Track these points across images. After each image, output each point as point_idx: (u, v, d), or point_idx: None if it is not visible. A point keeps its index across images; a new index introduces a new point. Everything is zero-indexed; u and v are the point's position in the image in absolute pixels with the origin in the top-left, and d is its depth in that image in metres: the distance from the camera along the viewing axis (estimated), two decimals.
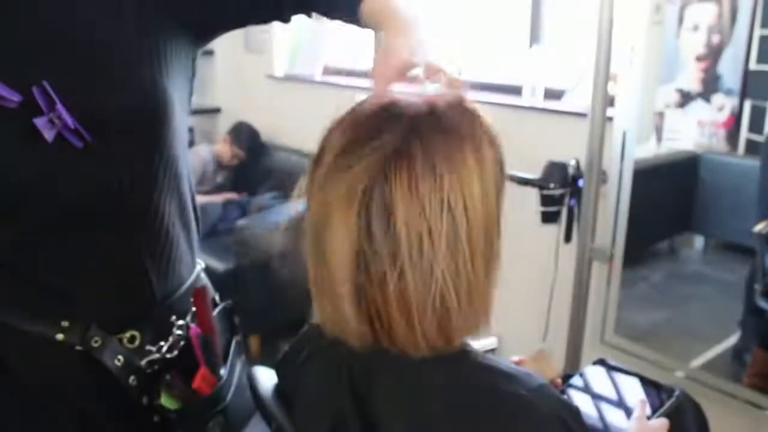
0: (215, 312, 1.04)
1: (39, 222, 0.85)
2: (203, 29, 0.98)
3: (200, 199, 3.60)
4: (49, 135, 0.79)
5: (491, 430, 0.66)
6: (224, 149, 3.42)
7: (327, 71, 3.26)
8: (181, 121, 0.95)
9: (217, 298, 1.10)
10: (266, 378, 0.88)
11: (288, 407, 0.81)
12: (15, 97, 0.78)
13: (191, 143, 3.86)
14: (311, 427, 0.77)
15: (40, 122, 0.78)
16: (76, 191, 0.85)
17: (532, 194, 1.74)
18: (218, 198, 3.33)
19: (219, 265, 2.90)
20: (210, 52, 3.81)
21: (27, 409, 0.91)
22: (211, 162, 3.40)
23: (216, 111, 3.91)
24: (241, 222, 2.92)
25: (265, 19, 1.04)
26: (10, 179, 0.82)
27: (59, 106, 0.79)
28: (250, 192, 3.38)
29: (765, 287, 1.54)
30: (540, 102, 2.22)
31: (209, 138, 3.88)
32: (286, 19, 1.00)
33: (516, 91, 2.31)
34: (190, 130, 3.94)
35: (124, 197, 0.88)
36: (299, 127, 3.34)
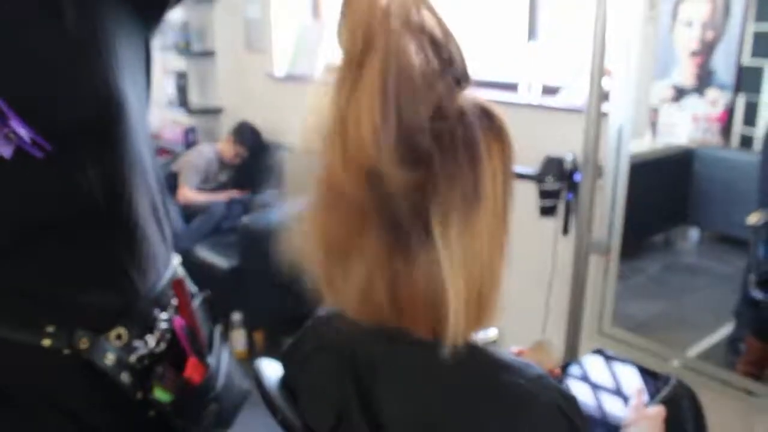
0: (195, 303, 1.04)
1: (11, 235, 0.83)
2: (145, 6, 0.94)
3: (204, 198, 3.62)
4: (6, 152, 0.77)
5: (492, 419, 0.66)
6: (227, 148, 3.44)
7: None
8: (139, 116, 0.91)
9: (194, 290, 1.09)
10: (271, 371, 0.88)
11: (293, 399, 0.81)
12: None
13: (194, 143, 3.88)
14: (316, 419, 0.76)
15: None
16: (45, 200, 0.83)
17: (530, 189, 1.76)
18: (222, 196, 3.35)
19: (223, 263, 2.91)
20: (211, 53, 3.83)
21: (18, 420, 0.89)
22: (214, 161, 3.42)
23: (218, 111, 3.93)
24: (245, 219, 2.94)
25: None
26: None
27: (13, 121, 0.76)
28: (252, 190, 3.40)
29: (759, 278, 1.56)
30: (536, 98, 2.22)
31: (212, 137, 3.89)
32: None
33: (513, 87, 2.32)
34: (193, 129, 3.97)
35: (93, 199, 0.87)
36: (300, 125, 3.36)
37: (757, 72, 1.51)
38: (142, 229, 0.93)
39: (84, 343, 0.88)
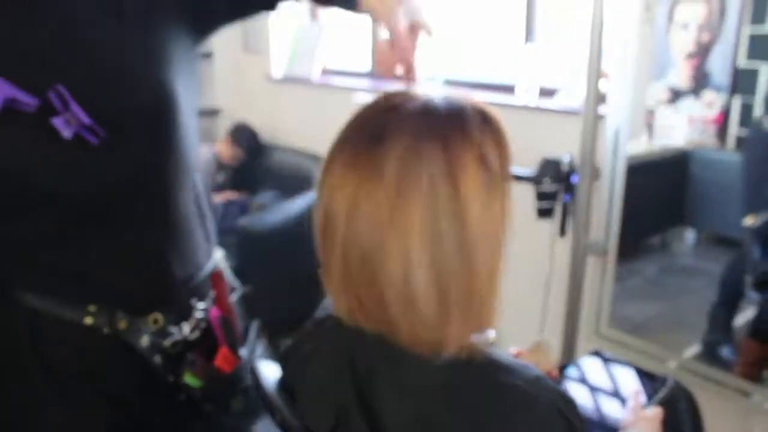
0: (234, 297, 1.08)
1: (62, 215, 0.89)
2: (201, 23, 1.00)
3: None
4: (67, 133, 0.83)
5: (491, 421, 0.67)
6: (224, 150, 3.44)
7: (325, 72, 3.28)
8: (188, 115, 0.97)
9: (235, 285, 1.15)
10: (270, 372, 0.89)
11: (291, 401, 0.82)
12: (32, 102, 0.82)
13: None
14: (315, 420, 0.77)
15: (57, 122, 0.83)
16: (95, 184, 0.89)
17: (528, 190, 1.77)
18: (219, 198, 3.35)
19: None
20: (209, 54, 3.82)
21: (62, 394, 0.95)
22: (211, 162, 3.42)
23: (215, 112, 3.92)
24: (242, 221, 2.94)
25: (258, 6, 1.05)
26: (33, 178, 0.86)
27: (73, 106, 0.83)
28: (250, 191, 3.40)
29: (756, 278, 1.56)
30: (534, 100, 2.23)
31: (209, 139, 3.89)
32: (273, 6, 1.03)
33: (510, 89, 2.33)
34: None
35: (140, 188, 0.92)
36: (298, 127, 3.36)
37: (752, 74, 1.51)
38: (185, 221, 0.99)
39: (122, 324, 0.95)
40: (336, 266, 0.70)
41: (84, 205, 0.90)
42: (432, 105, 0.70)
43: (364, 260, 0.67)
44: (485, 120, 0.71)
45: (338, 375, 0.74)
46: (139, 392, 0.99)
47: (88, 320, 0.93)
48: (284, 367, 0.87)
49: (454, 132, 0.67)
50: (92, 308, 0.93)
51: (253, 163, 3.44)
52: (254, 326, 1.12)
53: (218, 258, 1.10)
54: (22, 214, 0.88)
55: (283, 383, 0.84)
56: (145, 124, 0.90)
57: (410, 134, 0.67)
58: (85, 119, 0.84)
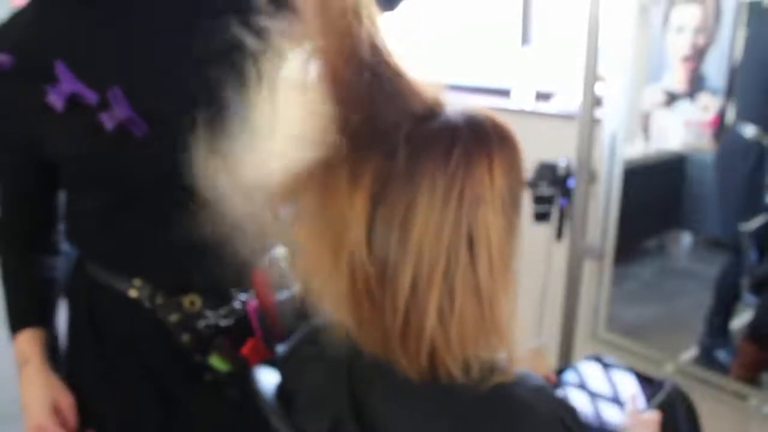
0: (280, 295, 1.09)
1: (111, 197, 1.01)
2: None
3: None
4: (109, 126, 0.94)
5: (492, 430, 0.67)
6: None
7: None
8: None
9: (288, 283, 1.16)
10: (268, 378, 0.89)
11: (288, 407, 0.82)
12: (93, 97, 0.94)
13: None
14: (310, 428, 0.77)
15: (104, 117, 0.93)
16: (142, 171, 0.98)
17: (524, 195, 1.77)
18: None
19: None
20: None
21: (108, 362, 1.06)
22: None
23: None
24: None
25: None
26: (84, 163, 0.98)
27: (125, 107, 0.94)
28: None
29: (752, 281, 1.57)
30: (530, 104, 2.24)
31: None
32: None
33: (506, 93, 2.33)
34: None
35: (184, 180, 0.93)
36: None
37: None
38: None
39: (159, 300, 1.04)
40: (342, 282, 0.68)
41: (131, 190, 1.00)
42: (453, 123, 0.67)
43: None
44: (503, 141, 0.68)
45: (335, 383, 0.74)
46: (171, 366, 1.06)
47: (133, 293, 1.03)
48: (282, 374, 0.87)
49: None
50: (137, 282, 1.03)
51: None
52: (303, 327, 1.13)
53: (275, 254, 1.11)
54: (82, 193, 1.03)
55: (281, 389, 0.85)
56: (193, 122, 0.94)
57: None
58: (133, 116, 0.94)
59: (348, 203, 0.65)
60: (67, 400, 1.05)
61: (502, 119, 0.70)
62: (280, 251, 1.12)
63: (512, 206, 0.68)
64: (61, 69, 0.94)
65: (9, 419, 1.22)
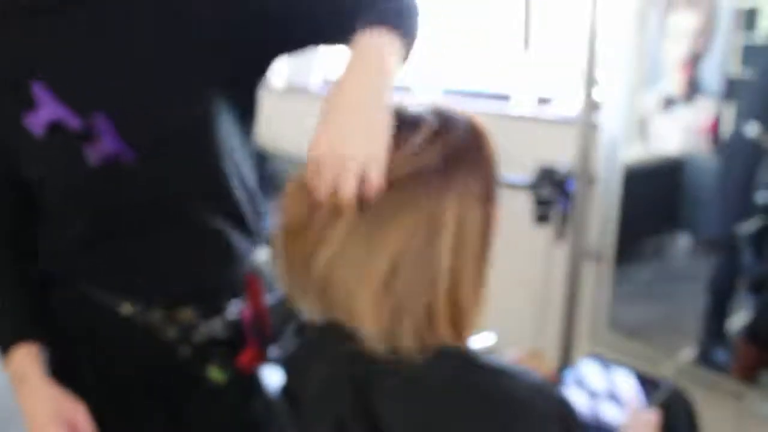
0: (272, 302, 1.09)
1: (97, 223, 0.97)
2: (270, 53, 1.01)
3: None
4: (94, 160, 0.89)
5: (491, 427, 0.67)
6: None
7: (326, 82, 3.29)
8: (227, 136, 1.00)
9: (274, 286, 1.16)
10: (273, 377, 0.92)
11: (293, 407, 0.82)
12: (77, 124, 0.88)
13: None
14: (315, 426, 0.77)
15: (88, 149, 0.89)
16: (131, 197, 0.95)
17: (525, 197, 1.78)
18: None
19: None
20: None
21: (107, 378, 1.04)
22: None
23: None
24: None
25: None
26: (69, 190, 0.94)
27: (110, 135, 0.89)
28: None
29: (751, 282, 1.58)
30: (530, 109, 2.25)
31: None
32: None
33: (506, 98, 2.34)
34: None
35: (175, 203, 0.97)
36: (298, 136, 3.35)
37: (744, 81, 1.53)
38: (221, 231, 1.02)
39: (155, 316, 1.02)
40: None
41: (117, 216, 0.97)
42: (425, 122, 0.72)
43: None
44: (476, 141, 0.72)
45: (338, 382, 0.74)
46: (168, 378, 1.06)
47: (127, 309, 1.01)
48: (287, 373, 0.86)
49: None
50: (131, 299, 1.01)
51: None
52: (291, 327, 1.14)
53: (259, 260, 1.12)
54: (67, 219, 0.98)
55: (286, 389, 0.85)
56: (182, 147, 0.94)
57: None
58: (118, 146, 0.89)
59: None
60: (79, 411, 0.96)
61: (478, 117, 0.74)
62: (263, 254, 1.13)
63: (485, 196, 0.72)
64: (39, 92, 0.88)
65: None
